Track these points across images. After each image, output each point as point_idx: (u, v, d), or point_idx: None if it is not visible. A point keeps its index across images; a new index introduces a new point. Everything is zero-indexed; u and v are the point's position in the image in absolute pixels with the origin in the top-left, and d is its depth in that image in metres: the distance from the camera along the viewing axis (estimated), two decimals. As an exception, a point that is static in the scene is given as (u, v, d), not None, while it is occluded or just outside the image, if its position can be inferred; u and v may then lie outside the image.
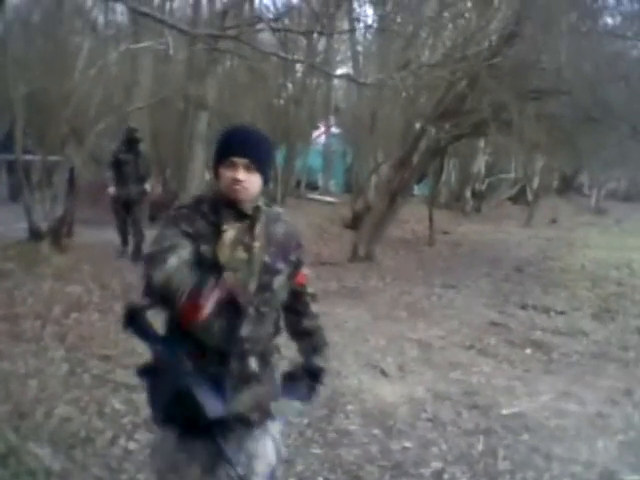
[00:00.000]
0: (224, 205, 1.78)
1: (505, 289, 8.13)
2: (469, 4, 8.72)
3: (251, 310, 1.78)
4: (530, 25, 6.99)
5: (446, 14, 9.17)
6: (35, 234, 7.35)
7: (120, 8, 12.59)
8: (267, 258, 1.80)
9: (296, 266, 1.92)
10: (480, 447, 3.44)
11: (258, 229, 1.79)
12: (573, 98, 7.96)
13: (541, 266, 10.20)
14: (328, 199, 19.18)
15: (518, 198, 21.75)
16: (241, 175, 1.74)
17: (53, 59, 11.17)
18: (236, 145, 1.78)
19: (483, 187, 20.28)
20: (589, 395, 4.30)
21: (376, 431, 3.54)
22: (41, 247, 7.13)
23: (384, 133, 13.28)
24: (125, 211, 7.60)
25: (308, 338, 2.01)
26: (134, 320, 1.76)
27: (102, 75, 8.28)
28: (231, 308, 1.74)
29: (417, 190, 16.27)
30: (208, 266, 1.71)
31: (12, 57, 7.63)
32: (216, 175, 1.81)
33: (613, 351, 5.51)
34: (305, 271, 1.98)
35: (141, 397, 3.67)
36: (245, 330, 1.77)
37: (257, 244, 1.78)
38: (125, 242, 7.70)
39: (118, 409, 3.52)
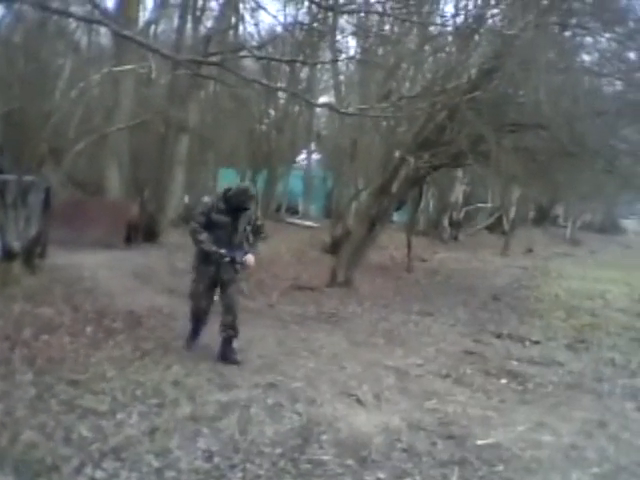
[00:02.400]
0: None
1: (481, 317, 8.17)
2: (450, 38, 8.90)
3: None
4: (509, 61, 7.15)
5: (427, 47, 9.35)
6: (7, 254, 7.21)
7: (104, 30, 12.64)
8: None
9: None
10: (454, 478, 3.40)
11: None
12: (550, 132, 8.13)
13: (517, 295, 10.28)
14: (308, 224, 19.25)
15: (495, 227, 22.07)
16: None
17: (34, 79, 11.14)
18: None
19: (461, 216, 20.57)
20: (564, 426, 4.30)
21: (350, 461, 3.48)
22: (13, 268, 7.00)
23: (364, 161, 13.43)
24: (212, 290, 5.28)
25: None
26: None
27: (83, 96, 8.25)
28: None
29: (396, 217, 16.43)
30: None
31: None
32: None
33: (587, 382, 5.53)
34: None
35: (110, 424, 3.59)
36: None
37: None
38: (197, 333, 5.39)
39: (85, 436, 3.42)
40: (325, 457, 3.51)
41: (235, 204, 5.06)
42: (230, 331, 5.15)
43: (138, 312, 6.39)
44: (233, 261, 5.07)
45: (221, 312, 5.22)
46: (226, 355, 5.11)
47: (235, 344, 5.19)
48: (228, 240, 5.07)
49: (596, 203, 22.93)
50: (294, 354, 5.53)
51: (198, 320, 5.33)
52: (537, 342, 6.93)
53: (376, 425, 4.01)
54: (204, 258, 5.10)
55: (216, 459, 3.33)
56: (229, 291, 5.18)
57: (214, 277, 5.15)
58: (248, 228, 5.21)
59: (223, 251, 5.03)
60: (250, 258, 5.14)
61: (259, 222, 5.34)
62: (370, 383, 4.87)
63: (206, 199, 5.36)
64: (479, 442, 3.89)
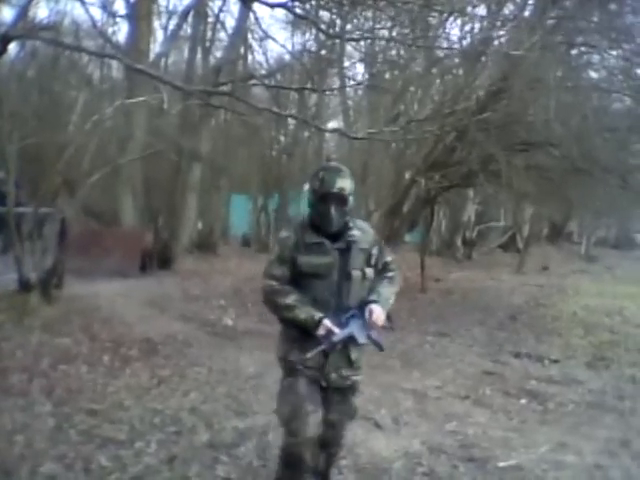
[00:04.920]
0: None
1: (499, 337, 8.08)
2: (457, 61, 8.98)
3: None
4: (517, 81, 7.19)
5: (434, 71, 9.44)
6: (25, 285, 7.30)
7: (116, 63, 12.93)
8: None
9: None
10: (477, 502, 3.35)
11: None
12: (561, 150, 8.13)
13: (534, 313, 10.17)
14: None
15: (508, 245, 21.93)
16: None
17: (48, 113, 11.38)
18: None
19: (473, 235, 20.47)
20: (586, 446, 4.22)
21: (371, 487, 3.45)
22: (30, 298, 7.08)
23: (375, 183, 13.48)
24: (317, 399, 2.79)
25: None
26: None
27: (97, 128, 8.40)
28: None
29: (409, 237, 16.42)
30: None
31: (7, 111, 7.72)
32: None
33: (609, 400, 5.44)
34: None
35: (128, 453, 3.59)
36: None
37: None
38: None
39: (105, 466, 3.42)
40: (345, 483, 3.48)
41: (322, 198, 2.74)
42: (335, 448, 3.06)
43: (154, 340, 6.42)
44: (351, 341, 2.69)
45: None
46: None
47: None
48: (338, 297, 2.73)
49: (610, 219, 22.74)
50: (311, 379, 5.50)
51: (297, 467, 2.76)
52: (556, 361, 6.85)
53: (396, 449, 3.96)
54: (299, 339, 2.74)
55: (235, 487, 3.32)
56: (336, 412, 2.88)
57: (320, 374, 2.78)
58: (369, 271, 2.83)
59: (332, 328, 2.61)
60: (377, 311, 2.70)
61: (388, 258, 2.99)
62: (388, 406, 4.83)
63: (284, 234, 2.88)
64: (501, 464, 3.83)
